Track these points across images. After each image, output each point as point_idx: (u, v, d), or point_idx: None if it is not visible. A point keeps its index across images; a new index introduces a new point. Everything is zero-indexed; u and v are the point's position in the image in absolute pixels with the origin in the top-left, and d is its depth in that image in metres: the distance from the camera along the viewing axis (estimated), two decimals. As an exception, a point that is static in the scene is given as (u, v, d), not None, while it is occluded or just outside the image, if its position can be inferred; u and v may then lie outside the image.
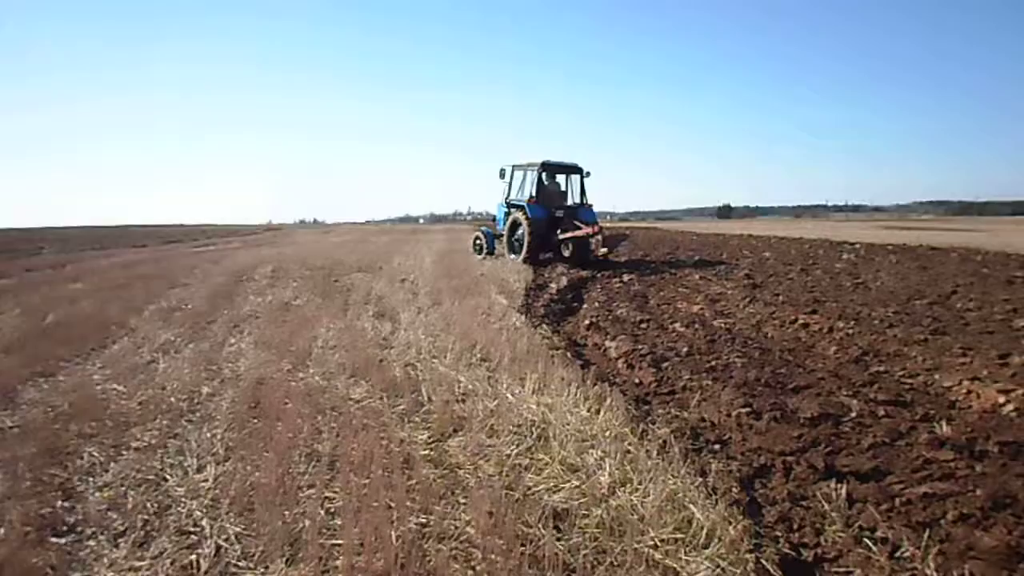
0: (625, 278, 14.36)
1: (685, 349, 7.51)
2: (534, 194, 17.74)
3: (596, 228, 16.43)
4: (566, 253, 17.77)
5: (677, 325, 9.07)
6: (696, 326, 9.00)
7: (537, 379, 5.85)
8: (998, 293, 11.37)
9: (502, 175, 18.98)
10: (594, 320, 9.41)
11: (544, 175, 18.06)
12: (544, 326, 8.94)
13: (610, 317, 9.84)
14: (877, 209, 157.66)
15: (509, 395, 5.50)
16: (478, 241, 20.00)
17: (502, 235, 18.81)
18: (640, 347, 7.53)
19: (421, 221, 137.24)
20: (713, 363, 6.86)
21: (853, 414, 5.19)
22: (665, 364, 6.89)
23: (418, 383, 5.99)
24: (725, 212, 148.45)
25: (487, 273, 14.84)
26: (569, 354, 7.27)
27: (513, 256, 17.81)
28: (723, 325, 9.24)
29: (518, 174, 18.74)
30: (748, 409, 5.20)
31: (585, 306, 11.09)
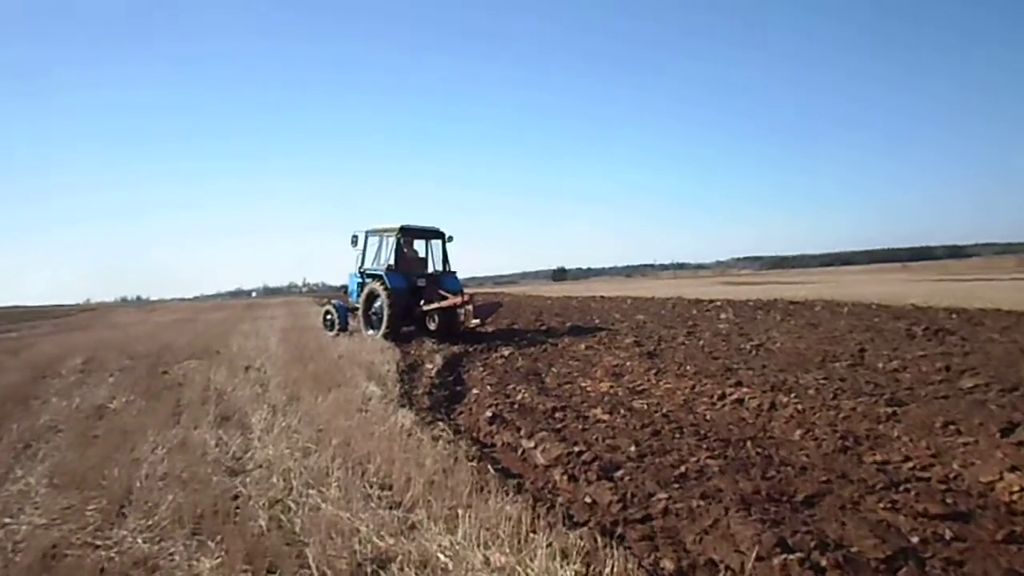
0: (505, 352, 12.78)
1: (632, 448, 5.95)
2: (392, 262, 15.97)
3: (465, 297, 14.84)
4: (432, 326, 16.02)
5: (598, 411, 7.56)
6: (622, 411, 7.51)
7: (473, 519, 4.11)
8: (908, 349, 10.78)
9: (354, 242, 17.10)
10: (496, 411, 7.74)
11: (403, 240, 16.36)
12: (439, 423, 7.19)
13: (512, 404, 8.19)
14: (700, 266, 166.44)
15: (445, 556, 3.71)
16: (329, 316, 17.87)
17: (357, 308, 16.82)
18: (574, 448, 5.93)
19: (254, 295, 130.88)
20: (681, 468, 5.35)
21: (916, 540, 3.85)
22: (618, 473, 5.31)
23: (298, 540, 4.09)
24: (560, 275, 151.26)
25: (346, 354, 12.84)
26: (491, 467, 5.55)
27: (371, 332, 15.87)
28: (648, 407, 7.82)
29: (373, 240, 16.91)
30: (784, 550, 3.71)
31: (475, 391, 9.38)
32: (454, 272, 16.78)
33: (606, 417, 7.29)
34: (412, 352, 13.49)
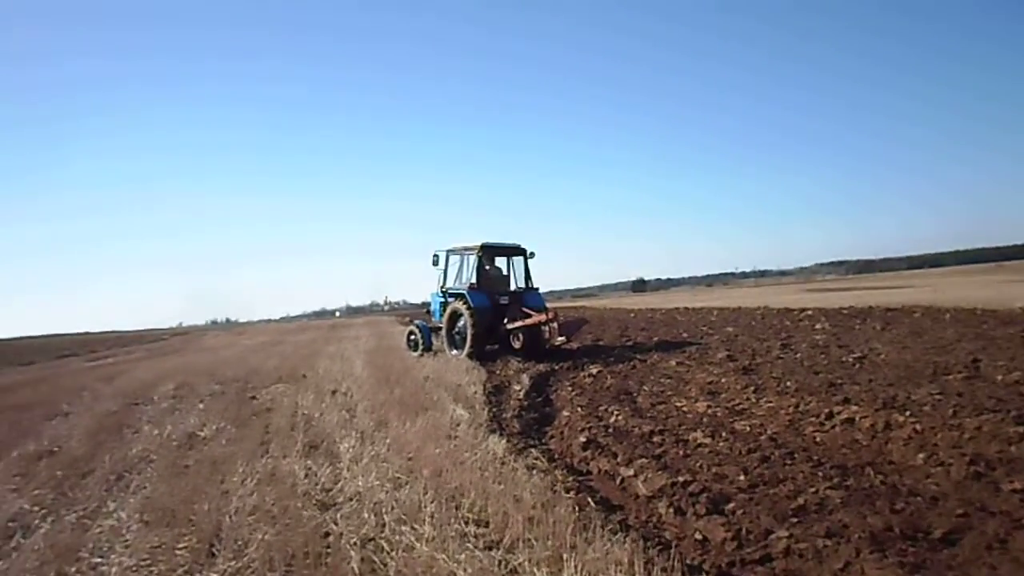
0: (593, 370, 12.43)
1: (742, 476, 5.55)
2: (474, 280, 15.82)
3: (551, 314, 14.54)
4: (516, 344, 15.76)
5: (698, 434, 7.15)
6: (723, 434, 7.09)
7: (578, 564, 3.79)
8: (1026, 359, 10.00)
9: (435, 261, 17.02)
10: (590, 435, 7.41)
11: (484, 258, 16.19)
12: (532, 450, 6.90)
13: (606, 428, 7.85)
14: (782, 273, 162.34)
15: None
16: (412, 336, 17.81)
17: (440, 328, 16.73)
18: (679, 477, 5.55)
19: (338, 314, 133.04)
20: (798, 499, 4.91)
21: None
22: (729, 505, 4.92)
23: (393, 587, 3.86)
24: (640, 286, 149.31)
25: (432, 375, 12.70)
26: (591, 500, 5.22)
27: (455, 352, 15.73)
28: (751, 429, 7.38)
29: (454, 259, 16.81)
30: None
31: (565, 412, 9.06)
32: (537, 289, 16.52)
33: (707, 441, 6.88)
34: (498, 372, 13.26)
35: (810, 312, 23.02)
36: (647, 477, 5.71)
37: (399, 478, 5.97)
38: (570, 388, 10.95)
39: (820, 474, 5.48)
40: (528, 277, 16.56)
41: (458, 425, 8.15)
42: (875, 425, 6.89)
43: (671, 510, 4.99)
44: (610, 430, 7.73)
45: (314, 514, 5.24)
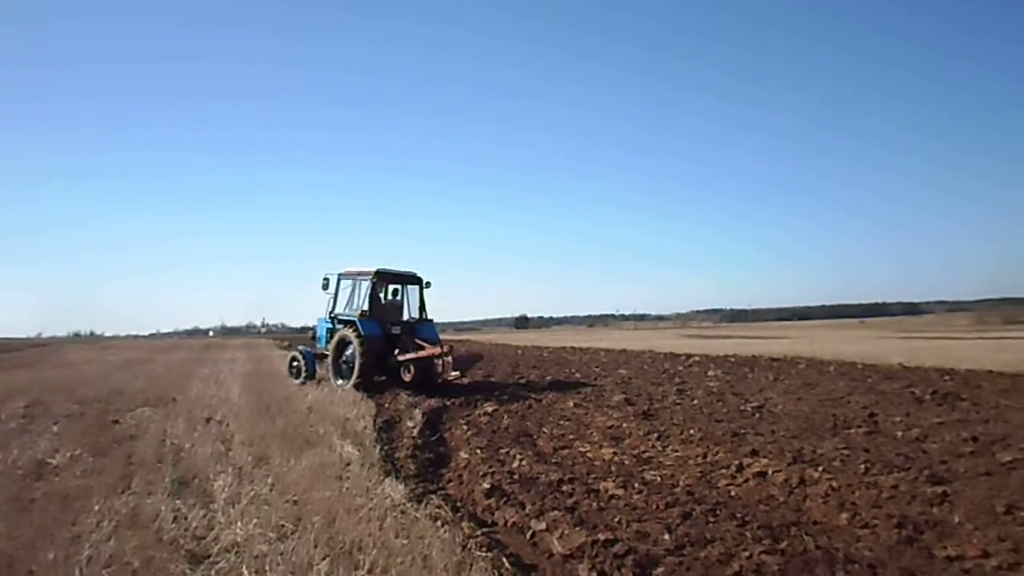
0: (488, 408, 11.89)
1: (666, 535, 5.11)
2: (367, 307, 15.07)
3: (446, 347, 13.95)
4: (407, 377, 14.96)
5: (609, 484, 6.72)
6: (636, 485, 6.69)
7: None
8: (921, 415, 10.21)
9: (325, 285, 16.18)
10: (494, 481, 6.87)
11: (378, 285, 15.48)
12: (432, 497, 6.31)
13: (510, 474, 7.31)
14: (660, 317, 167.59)
15: None
16: (295, 363, 16.78)
17: (326, 355, 15.84)
18: (597, 535, 5.08)
19: (211, 334, 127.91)
20: (733, 565, 4.51)
21: None
22: (657, 570, 4.49)
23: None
24: (523, 323, 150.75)
25: (316, 406, 11.87)
26: (505, 560, 4.68)
27: (341, 381, 14.88)
28: (663, 480, 7.03)
29: (345, 283, 16.00)
30: None
31: (463, 454, 8.47)
32: (431, 320, 15.93)
33: (620, 492, 6.47)
34: (387, 405, 12.54)
35: (697, 359, 23.35)
36: (563, 533, 5.22)
37: (284, 526, 5.25)
38: (465, 427, 10.38)
39: (748, 535, 5.12)
40: (423, 307, 15.94)
41: (348, 464, 7.45)
42: (789, 480, 6.68)
43: (593, 573, 4.52)
44: (515, 476, 7.21)
45: (183, 568, 4.48)
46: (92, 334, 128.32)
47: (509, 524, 5.82)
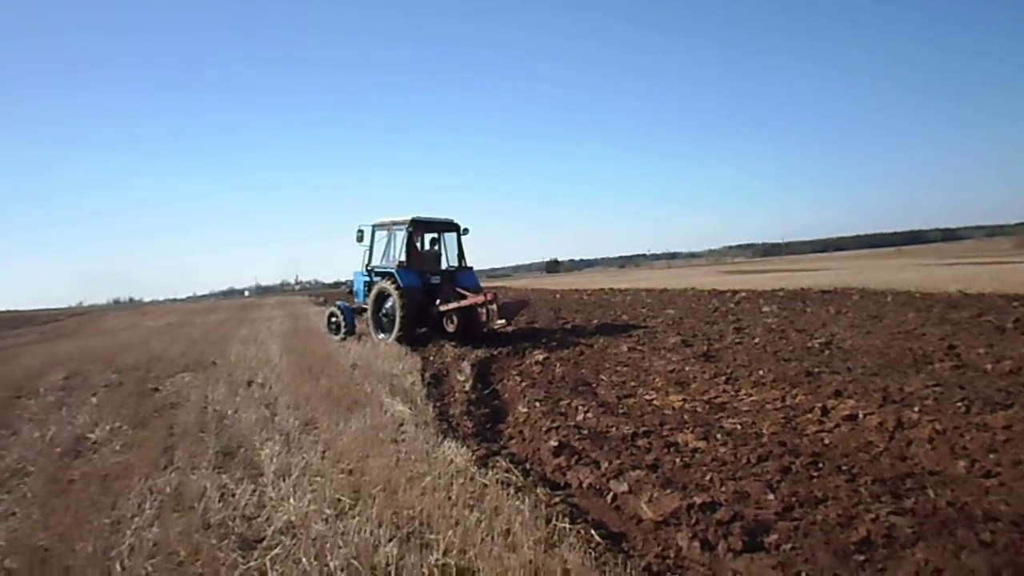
0: (538, 356, 11.31)
1: (770, 495, 4.53)
2: (404, 258, 14.50)
3: (489, 295, 13.36)
4: (450, 328, 14.43)
5: (687, 436, 6.15)
6: (718, 436, 6.10)
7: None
8: (1007, 345, 9.47)
9: (360, 237, 15.60)
10: (560, 437, 6.32)
11: (414, 234, 14.89)
12: (498, 458, 5.79)
13: (577, 428, 6.74)
14: (692, 255, 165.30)
15: None
16: (334, 319, 16.37)
17: (365, 309, 15.37)
18: (693, 498, 4.51)
19: (247, 294, 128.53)
20: (858, 529, 3.91)
21: None
22: (770, 537, 3.91)
23: None
24: (553, 267, 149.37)
25: (360, 363, 11.42)
26: (595, 534, 4.13)
27: (383, 335, 14.41)
28: (744, 428, 6.43)
29: (381, 235, 15.40)
30: None
31: (521, 408, 7.94)
32: (471, 268, 15.33)
33: (701, 444, 5.89)
34: (432, 358, 12.05)
35: (744, 294, 22.57)
36: (651, 496, 4.65)
37: (340, 500, 4.76)
38: (518, 377, 9.83)
39: (863, 491, 4.51)
40: (462, 255, 15.33)
41: (401, 425, 6.97)
42: (884, 423, 6.04)
43: (695, 543, 3.95)
44: (582, 430, 6.64)
45: (235, 557, 4.00)
46: (131, 300, 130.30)
47: (585, 486, 5.29)
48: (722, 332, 12.98)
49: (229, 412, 8.36)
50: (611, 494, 5.00)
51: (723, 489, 4.75)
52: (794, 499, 4.44)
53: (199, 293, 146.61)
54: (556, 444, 6.09)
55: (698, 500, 4.44)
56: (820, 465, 5.13)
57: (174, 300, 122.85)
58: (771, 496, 4.51)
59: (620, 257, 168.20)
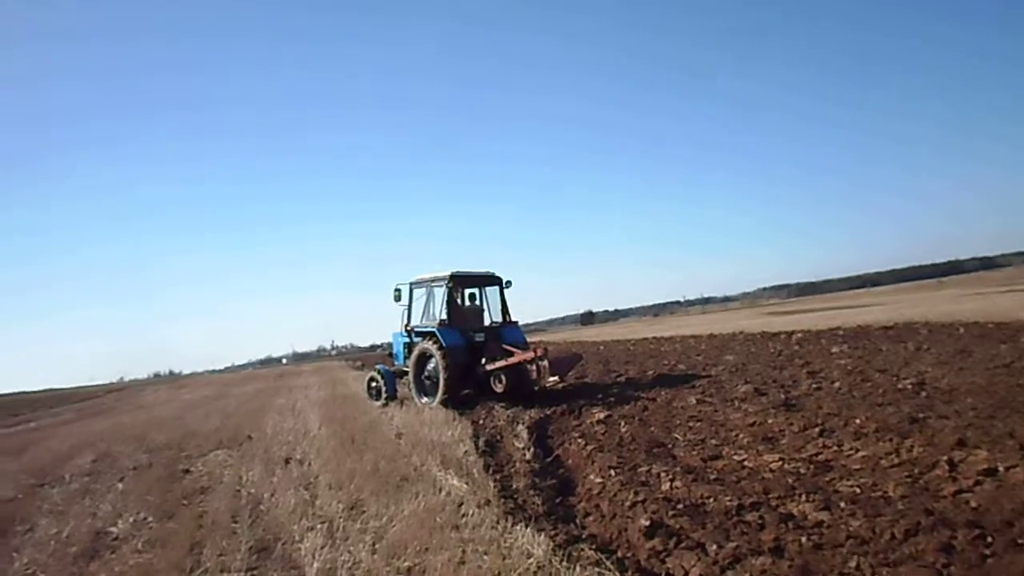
0: (599, 415, 10.32)
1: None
2: (445, 316, 13.68)
3: (540, 350, 12.44)
4: (498, 387, 13.47)
5: (804, 506, 5.16)
6: (840, 504, 5.11)
7: None
8: None
9: (398, 297, 14.83)
10: (650, 514, 5.36)
11: (454, 290, 14.09)
12: (584, 548, 4.84)
13: (667, 500, 5.77)
14: (727, 299, 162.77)
15: None
16: (374, 383, 15.53)
17: (406, 372, 14.52)
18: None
19: (285, 361, 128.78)
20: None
21: None
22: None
23: None
24: (588, 318, 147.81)
25: (405, 431, 10.54)
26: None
27: (426, 399, 13.53)
28: (864, 491, 5.43)
29: (419, 292, 14.63)
30: None
31: (592, 476, 6.98)
32: (516, 322, 14.47)
33: (825, 516, 4.90)
34: (483, 422, 11.12)
35: (799, 335, 21.43)
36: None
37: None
38: (581, 440, 8.86)
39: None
40: (506, 310, 14.49)
41: (460, 505, 6.06)
42: (1043, 483, 5.02)
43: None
44: (672, 503, 5.68)
45: None
46: (171, 373, 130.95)
47: (694, 578, 4.31)
48: (795, 377, 11.91)
49: (265, 495, 7.55)
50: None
51: (881, 580, 3.76)
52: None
53: (237, 363, 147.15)
54: (648, 523, 5.13)
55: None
56: (988, 539, 4.10)
57: (212, 371, 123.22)
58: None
59: (654, 305, 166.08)
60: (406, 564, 4.72)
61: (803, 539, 4.48)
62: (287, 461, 9.39)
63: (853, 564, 3.99)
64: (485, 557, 4.63)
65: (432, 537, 5.18)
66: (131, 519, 7.24)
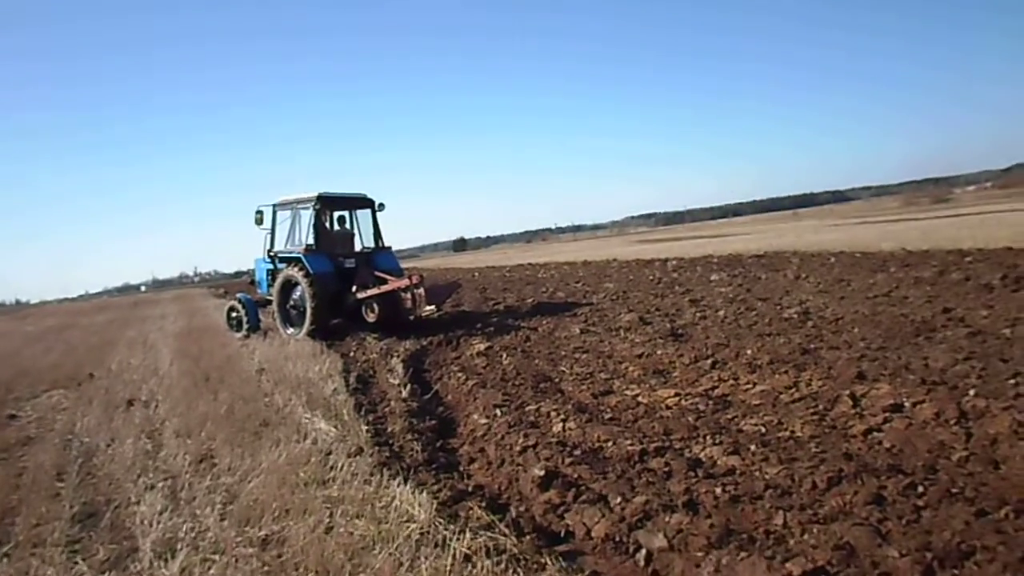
0: (479, 346, 9.71)
1: (891, 552, 3.09)
2: (312, 241, 12.63)
3: (415, 277, 11.64)
4: (370, 317, 12.61)
5: (711, 449, 4.70)
6: (747, 447, 4.67)
7: None
8: (1011, 305, 8.47)
9: (259, 220, 13.56)
10: (545, 461, 4.78)
11: (322, 213, 13.02)
12: (468, 503, 4.23)
13: (560, 444, 5.21)
14: (596, 226, 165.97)
15: None
16: (235, 313, 14.33)
17: (269, 301, 13.43)
18: (785, 566, 3.06)
19: (143, 289, 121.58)
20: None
21: None
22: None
23: None
24: (461, 245, 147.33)
25: (268, 365, 9.60)
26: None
27: (292, 330, 12.55)
28: (769, 431, 5.06)
29: (283, 215, 13.41)
30: None
31: (476, 417, 6.37)
32: (389, 248, 13.57)
33: (735, 462, 4.46)
34: (354, 355, 10.32)
35: (673, 263, 21.53)
36: (718, 561, 3.19)
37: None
38: (461, 374, 8.23)
39: (1010, 528, 3.17)
40: (378, 234, 13.53)
41: (328, 455, 5.30)
42: (942, 414, 4.79)
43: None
44: (566, 447, 5.12)
45: None
46: (17, 302, 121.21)
47: (599, 538, 3.79)
48: (677, 306, 11.69)
49: (100, 445, 6.56)
50: (643, 552, 3.53)
51: (810, 540, 3.31)
52: (929, 553, 3.03)
53: (92, 291, 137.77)
54: (542, 473, 4.55)
55: (795, 570, 2.98)
56: (919, 489, 3.73)
57: (63, 300, 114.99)
58: (893, 551, 3.08)
59: (525, 232, 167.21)
60: (261, 533, 3.96)
61: (717, 490, 4.00)
62: (130, 403, 8.30)
63: (779, 521, 3.53)
64: (357, 522, 3.93)
65: (294, 496, 4.43)
66: (-66, 476, 6.12)
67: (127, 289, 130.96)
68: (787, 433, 4.99)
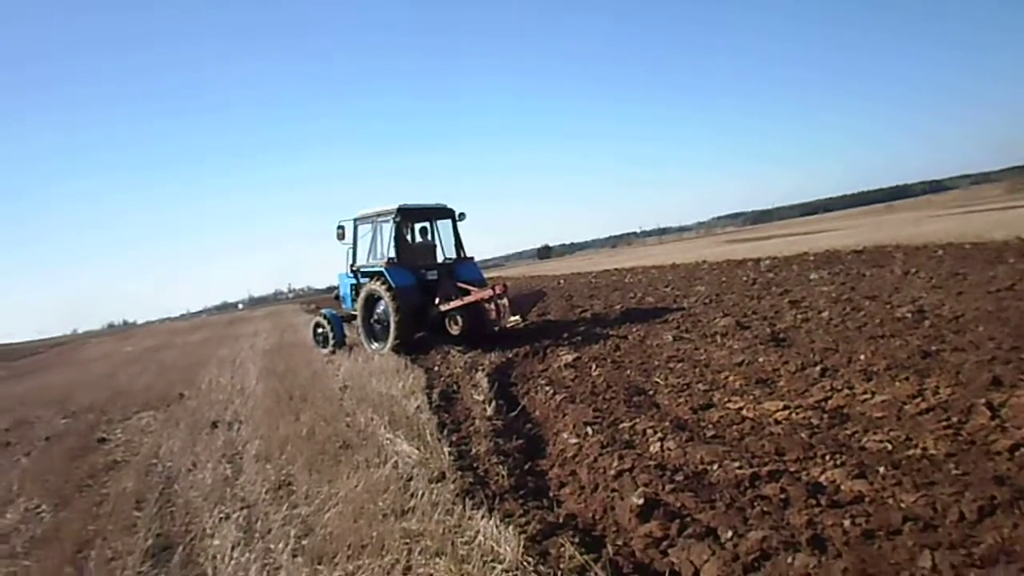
0: (566, 357, 9.28)
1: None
2: (393, 254, 12.45)
3: (499, 288, 11.31)
4: (454, 329, 12.37)
5: (832, 472, 4.14)
6: (875, 469, 4.08)
7: None
8: None
9: (341, 235, 13.50)
10: (646, 490, 4.31)
11: (402, 225, 12.84)
12: (558, 539, 3.80)
13: (658, 468, 4.72)
14: (682, 228, 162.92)
15: None
16: (320, 330, 14.33)
17: (354, 316, 13.33)
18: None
19: (240, 307, 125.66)
20: None
21: None
22: None
23: None
24: (546, 252, 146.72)
25: (351, 382, 9.41)
26: None
27: (376, 345, 12.41)
28: (898, 449, 4.44)
29: (365, 229, 13.32)
30: None
31: (566, 435, 5.93)
32: (472, 258, 13.30)
33: (862, 487, 3.90)
34: (438, 369, 10.05)
35: (767, 262, 20.61)
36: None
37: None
38: (548, 388, 7.79)
39: None
40: (460, 245, 13.30)
41: (409, 481, 4.96)
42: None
43: None
44: (667, 471, 4.62)
45: None
46: (124, 323, 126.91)
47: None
48: (776, 307, 10.97)
49: (181, 471, 6.43)
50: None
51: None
52: None
53: (192, 310, 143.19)
54: (641, 502, 4.08)
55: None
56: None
57: (165, 319, 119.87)
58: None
59: (610, 237, 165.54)
60: (336, 574, 3.64)
61: (846, 522, 3.47)
62: (214, 425, 8.22)
63: (926, 563, 2.98)
64: (437, 561, 3.57)
65: (371, 529, 4.10)
66: (23, 507, 6.09)
67: (225, 307, 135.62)
68: (919, 451, 4.37)
